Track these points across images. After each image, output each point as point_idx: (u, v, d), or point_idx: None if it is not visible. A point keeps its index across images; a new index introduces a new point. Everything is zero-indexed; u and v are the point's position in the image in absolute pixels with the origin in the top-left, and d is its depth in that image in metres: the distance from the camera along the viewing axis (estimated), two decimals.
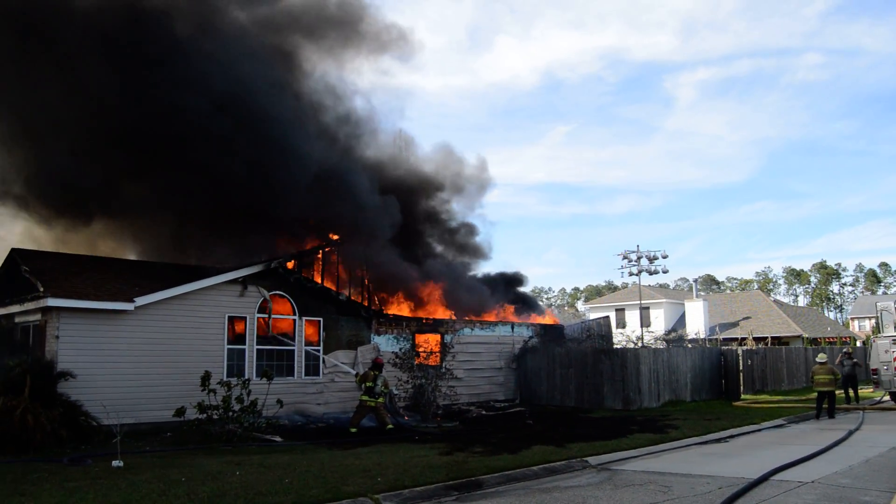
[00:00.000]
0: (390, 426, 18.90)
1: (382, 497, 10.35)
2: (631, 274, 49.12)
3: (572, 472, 13.24)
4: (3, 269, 21.03)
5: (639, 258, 48.17)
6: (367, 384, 19.15)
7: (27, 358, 17.02)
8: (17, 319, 19.79)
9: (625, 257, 48.63)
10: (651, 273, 48.13)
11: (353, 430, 18.59)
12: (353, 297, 23.53)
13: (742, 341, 41.32)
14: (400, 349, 22.85)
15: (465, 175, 32.84)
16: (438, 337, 25.17)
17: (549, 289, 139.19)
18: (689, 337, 43.09)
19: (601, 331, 30.82)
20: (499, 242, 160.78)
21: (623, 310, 59.72)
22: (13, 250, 20.45)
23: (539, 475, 12.71)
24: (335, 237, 24.45)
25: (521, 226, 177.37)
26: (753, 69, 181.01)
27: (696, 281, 63.37)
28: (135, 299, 18.18)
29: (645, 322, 49.77)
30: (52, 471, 12.56)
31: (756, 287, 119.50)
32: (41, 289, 17.76)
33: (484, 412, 23.80)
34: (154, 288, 18.84)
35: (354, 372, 21.31)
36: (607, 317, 33.50)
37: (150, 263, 21.43)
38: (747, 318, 53.69)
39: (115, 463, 12.98)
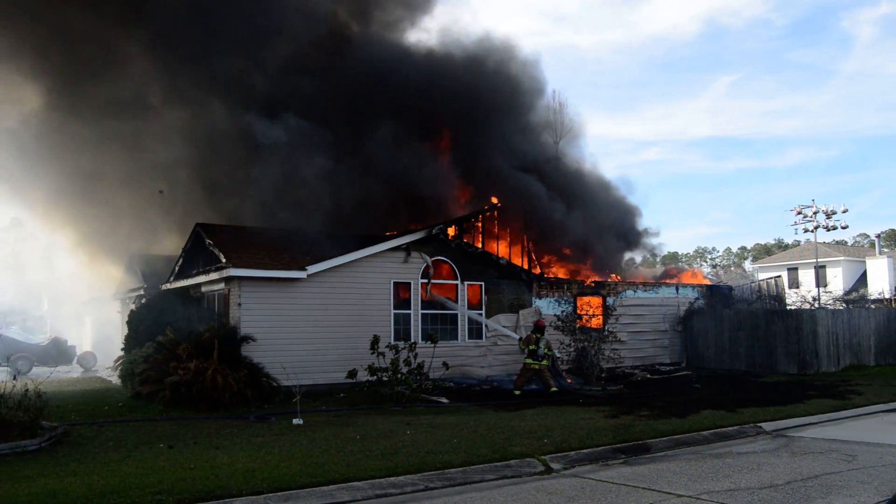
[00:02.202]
0: (554, 389, 18.97)
1: (549, 458, 10.46)
2: (805, 230, 46.03)
3: (745, 437, 12.82)
4: (189, 242, 22.71)
5: (815, 213, 44.99)
6: (531, 347, 19.30)
7: (214, 324, 18.42)
8: (203, 289, 21.41)
9: (799, 212, 45.56)
10: (828, 229, 44.86)
11: (517, 392, 18.82)
12: (513, 261, 23.66)
13: None
14: (562, 312, 22.80)
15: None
16: (600, 299, 24.89)
17: (713, 248, 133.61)
18: (872, 297, 40.20)
19: (773, 291, 29.36)
20: (659, 202, 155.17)
21: (796, 269, 56.51)
22: (198, 225, 21.97)
23: (709, 440, 12.41)
24: (495, 200, 24.62)
25: (682, 184, 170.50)
26: None
27: (878, 237, 58.72)
28: (307, 267, 19.16)
29: (821, 281, 46.87)
30: (241, 427, 13.60)
31: None
32: (223, 260, 19.06)
33: (648, 375, 23.40)
34: (323, 256, 19.76)
35: (517, 336, 21.47)
36: (779, 276, 31.85)
37: (318, 233, 22.39)
38: None
39: (295, 421, 13.86)
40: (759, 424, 13.60)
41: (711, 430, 12.91)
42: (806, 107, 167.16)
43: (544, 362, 19.24)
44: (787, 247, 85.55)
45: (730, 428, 13.20)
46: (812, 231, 46.17)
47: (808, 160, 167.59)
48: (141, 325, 20.82)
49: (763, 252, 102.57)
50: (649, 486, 9.07)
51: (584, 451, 11.03)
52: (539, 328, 19.80)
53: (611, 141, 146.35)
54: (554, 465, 10.25)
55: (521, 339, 20.53)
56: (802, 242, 57.53)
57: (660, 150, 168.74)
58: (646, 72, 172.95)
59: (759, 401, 16.73)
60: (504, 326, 22.41)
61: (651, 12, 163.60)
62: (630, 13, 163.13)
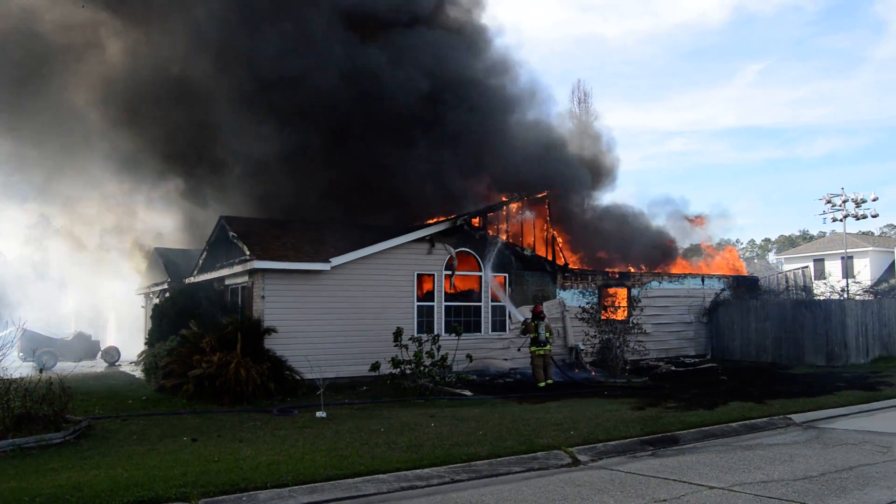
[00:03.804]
0: (549, 381, 18.85)
1: (576, 450, 10.29)
2: (834, 220, 45.21)
3: (775, 429, 12.59)
4: (213, 235, 22.74)
5: (844, 202, 44.12)
6: (532, 335, 19.22)
7: (238, 317, 18.40)
8: (227, 282, 21.42)
9: (828, 201, 44.76)
10: (858, 218, 44.02)
11: (542, 384, 18.66)
12: (537, 253, 23.45)
13: None
14: (587, 303, 22.59)
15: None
16: (625, 291, 24.64)
17: (737, 240, 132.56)
18: None
19: (800, 282, 28.95)
20: (684, 193, 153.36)
21: (822, 260, 55.79)
22: (222, 217, 21.96)
23: (738, 432, 12.20)
24: (518, 193, 24.43)
25: (708, 174, 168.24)
26: None
27: None
28: (330, 260, 19.08)
29: (849, 272, 46.24)
30: (264, 420, 13.55)
31: None
32: (247, 252, 19.04)
33: (673, 368, 23.14)
34: (346, 248, 19.68)
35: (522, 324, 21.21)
36: (807, 266, 31.43)
37: (340, 224, 22.40)
38: None
39: (318, 414, 13.79)
40: (788, 416, 13.37)
41: (740, 422, 12.70)
42: (836, 95, 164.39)
43: (548, 347, 19.16)
44: (811, 238, 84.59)
45: (759, 419, 12.98)
46: (841, 220, 45.47)
47: (837, 149, 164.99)
48: (164, 319, 20.87)
49: (787, 244, 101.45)
50: (680, 477, 8.88)
51: (612, 443, 10.86)
52: (536, 315, 19.67)
53: (637, 132, 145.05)
54: (581, 458, 10.09)
55: (522, 322, 20.30)
56: (828, 233, 56.72)
57: (686, 141, 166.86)
58: (672, 61, 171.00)
59: (788, 392, 16.47)
60: (526, 318, 22.21)
61: (678, 0, 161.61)
62: (657, 2, 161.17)
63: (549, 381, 18.88)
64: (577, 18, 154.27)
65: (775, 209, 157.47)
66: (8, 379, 12.11)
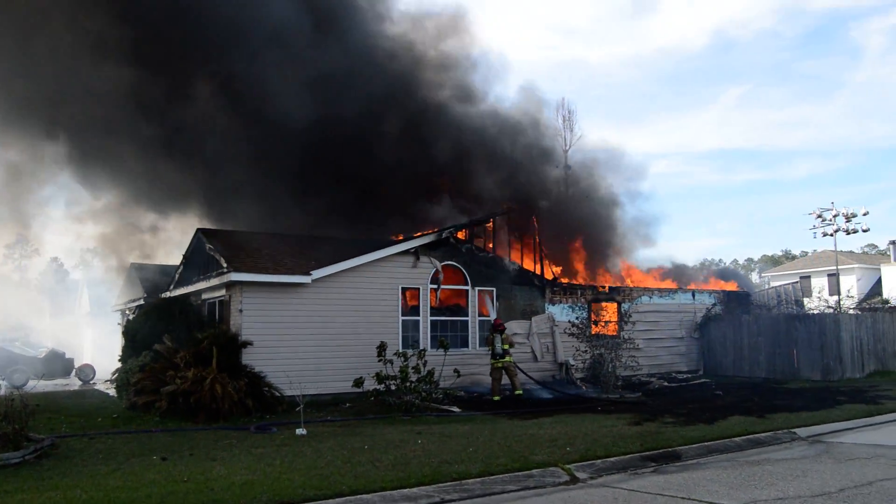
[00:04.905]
0: (519, 392, 18.71)
1: (574, 467, 9.61)
2: (825, 234, 45.08)
3: (780, 444, 11.98)
4: (189, 248, 21.98)
5: (835, 216, 43.87)
6: (489, 348, 19.13)
7: (214, 331, 17.58)
8: (204, 296, 20.62)
9: (818, 216, 44.62)
10: (848, 233, 43.84)
11: (496, 398, 18.49)
12: (525, 267, 22.82)
13: None
14: (576, 318, 21.94)
15: None
16: (615, 305, 24.01)
17: (720, 260, 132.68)
18: (891, 304, 39.33)
19: (791, 296, 28.48)
20: (667, 214, 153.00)
21: (808, 277, 55.49)
22: (198, 230, 21.24)
23: (742, 447, 11.57)
24: (505, 206, 23.84)
25: (690, 196, 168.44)
26: None
27: (893, 243, 57.59)
28: (311, 272, 18.33)
29: (836, 289, 45.95)
30: (240, 438, 12.77)
31: None
32: (225, 265, 18.26)
33: (666, 383, 22.53)
34: (328, 261, 18.93)
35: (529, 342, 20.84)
36: (797, 281, 30.97)
37: (323, 237, 21.71)
38: None
39: (298, 431, 13.04)
40: (793, 430, 12.78)
41: (743, 437, 12.09)
42: (815, 118, 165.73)
43: (507, 358, 18.89)
44: (794, 257, 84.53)
45: (763, 434, 12.38)
46: (832, 235, 45.26)
47: (817, 172, 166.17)
48: (138, 335, 19.93)
49: (770, 263, 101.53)
50: (688, 495, 8.22)
51: (611, 459, 10.19)
52: (496, 327, 19.37)
53: (620, 154, 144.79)
54: (580, 475, 9.40)
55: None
56: (810, 253, 56.48)
57: (669, 163, 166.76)
58: (655, 85, 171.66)
59: (788, 406, 15.88)
60: (516, 333, 21.61)
61: (660, 25, 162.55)
62: (639, 26, 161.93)
63: (519, 392, 18.71)
64: (560, 43, 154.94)
65: (759, 230, 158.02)
66: None
